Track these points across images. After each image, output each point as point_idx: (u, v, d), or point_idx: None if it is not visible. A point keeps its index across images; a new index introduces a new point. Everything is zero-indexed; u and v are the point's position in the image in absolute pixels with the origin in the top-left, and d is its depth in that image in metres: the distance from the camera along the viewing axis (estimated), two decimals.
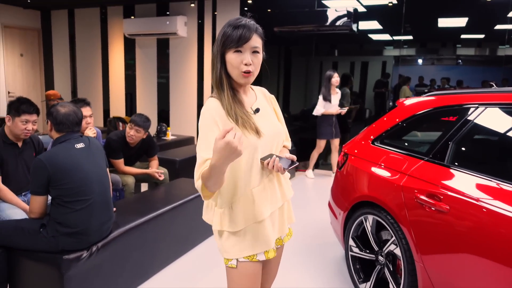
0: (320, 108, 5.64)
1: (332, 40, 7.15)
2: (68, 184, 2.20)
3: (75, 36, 8.35)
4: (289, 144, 1.73)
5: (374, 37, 7.41)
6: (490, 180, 1.88)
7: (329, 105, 5.66)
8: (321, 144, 5.78)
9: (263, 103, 1.61)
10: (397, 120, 2.74)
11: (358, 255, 2.69)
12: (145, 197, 3.34)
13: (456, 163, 2.12)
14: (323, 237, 3.70)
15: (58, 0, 7.57)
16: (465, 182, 1.98)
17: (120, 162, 3.55)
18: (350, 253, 2.76)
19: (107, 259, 2.44)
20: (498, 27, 5.91)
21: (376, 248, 2.56)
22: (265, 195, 1.51)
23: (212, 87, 1.54)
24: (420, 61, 6.68)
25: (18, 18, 8.16)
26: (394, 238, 2.34)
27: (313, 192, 5.41)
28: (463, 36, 6.30)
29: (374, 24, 6.97)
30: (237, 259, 1.51)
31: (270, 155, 1.47)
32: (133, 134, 3.51)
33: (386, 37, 7.30)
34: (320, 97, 5.67)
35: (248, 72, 1.43)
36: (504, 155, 2.15)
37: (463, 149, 2.19)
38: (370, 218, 2.57)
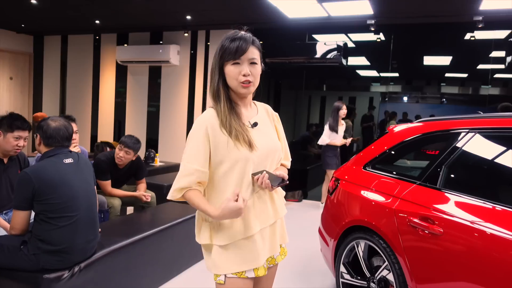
0: (326, 138, 5.72)
1: (322, 74, 7.32)
2: (54, 199, 2.12)
3: (67, 61, 8.38)
4: (288, 163, 1.72)
5: (362, 73, 7.62)
6: (483, 203, 1.89)
7: (334, 135, 5.73)
8: (329, 174, 5.79)
9: (263, 119, 1.61)
10: (387, 146, 2.76)
11: (349, 282, 2.63)
12: (131, 219, 3.25)
13: (448, 187, 2.12)
14: (313, 266, 3.62)
15: (52, 25, 7.63)
16: (458, 205, 1.98)
17: (107, 184, 3.47)
18: (341, 280, 2.69)
19: (89, 281, 2.33)
20: (481, 66, 6.13)
21: (368, 275, 2.50)
22: (254, 211, 1.48)
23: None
24: (405, 98, 6.84)
25: (11, 42, 8.19)
26: (386, 263, 2.30)
27: (301, 221, 5.34)
28: (447, 75, 6.50)
29: (362, 60, 7.17)
30: (225, 275, 1.46)
31: (262, 171, 1.46)
32: (122, 155, 3.46)
33: (373, 73, 7.51)
34: (326, 127, 5.75)
35: (247, 82, 1.44)
36: (495, 177, 2.16)
37: (455, 172, 2.20)
38: (362, 243, 2.53)
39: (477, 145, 2.16)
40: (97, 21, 6.96)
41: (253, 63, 1.46)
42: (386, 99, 7.09)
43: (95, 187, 2.64)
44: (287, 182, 1.49)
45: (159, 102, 7.58)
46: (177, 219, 3.22)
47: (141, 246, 2.78)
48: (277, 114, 1.71)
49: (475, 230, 1.82)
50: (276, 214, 1.56)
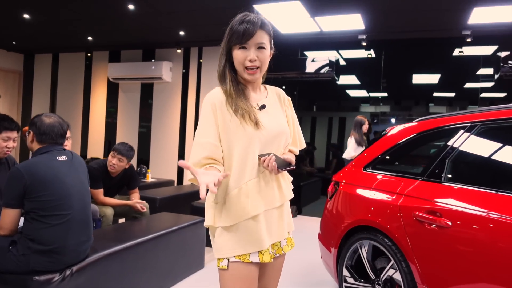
0: (351, 151, 5.72)
1: (313, 93, 7.38)
2: (45, 197, 2.03)
3: (57, 80, 8.32)
4: (296, 150, 1.67)
5: (352, 93, 7.70)
6: (491, 191, 1.85)
7: (360, 149, 5.74)
8: None
9: (273, 102, 1.57)
10: (385, 148, 2.74)
11: (353, 285, 2.53)
12: (124, 226, 3.13)
13: (453, 180, 2.09)
14: (313, 276, 3.52)
15: (43, 43, 7.60)
16: (465, 196, 1.94)
17: (99, 192, 3.36)
18: (344, 284, 2.60)
19: (81, 285, 2.20)
20: (469, 85, 6.23)
21: (372, 277, 2.42)
22: (260, 190, 1.43)
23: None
24: (393, 120, 6.90)
25: (1, 60, 8.12)
26: (392, 262, 2.23)
27: (299, 235, 5.23)
28: (435, 94, 6.59)
29: (353, 79, 7.25)
30: (228, 260, 1.39)
31: (269, 154, 1.41)
32: (115, 163, 3.37)
33: (363, 93, 7.60)
34: (353, 141, 5.75)
35: (252, 69, 1.43)
36: (499, 166, 2.13)
37: (459, 165, 2.17)
38: (366, 243, 2.45)
39: (478, 138, 2.14)
40: (89, 38, 6.96)
41: (260, 47, 1.43)
42: (375, 120, 7.15)
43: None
44: (294, 167, 1.44)
45: (151, 123, 7.51)
46: (172, 227, 3.12)
47: (135, 252, 2.66)
48: (289, 98, 1.67)
49: (485, 219, 1.77)
50: (283, 197, 1.51)
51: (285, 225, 1.54)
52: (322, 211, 3.06)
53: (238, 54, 1.42)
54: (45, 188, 2.03)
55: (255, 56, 1.41)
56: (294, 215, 6.23)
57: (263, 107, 1.50)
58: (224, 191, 1.42)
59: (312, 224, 5.62)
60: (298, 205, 6.54)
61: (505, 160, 2.04)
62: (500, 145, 2.09)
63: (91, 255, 2.31)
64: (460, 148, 2.16)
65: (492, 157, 2.10)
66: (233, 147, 1.41)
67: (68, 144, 3.09)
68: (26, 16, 5.80)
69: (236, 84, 1.46)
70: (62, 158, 2.20)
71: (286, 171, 1.51)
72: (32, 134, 2.21)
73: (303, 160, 7.66)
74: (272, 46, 1.52)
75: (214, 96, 1.44)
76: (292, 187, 1.61)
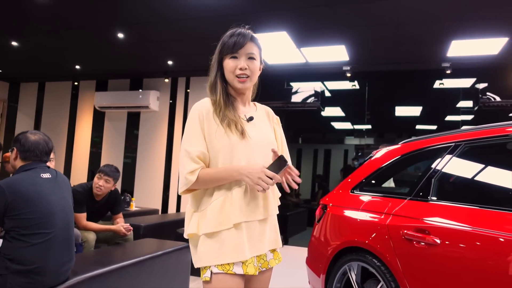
0: None
1: (299, 124, 7.49)
2: (28, 214, 1.96)
3: (42, 109, 8.25)
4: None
5: (337, 125, 7.84)
6: (478, 208, 1.87)
7: None
8: None
9: (261, 117, 1.60)
10: (371, 170, 2.77)
11: None
12: (107, 250, 3.04)
13: (440, 198, 2.11)
14: None
15: (30, 71, 7.60)
16: (452, 214, 1.95)
17: (82, 216, 3.27)
18: None
19: None
20: (450, 118, 6.42)
21: None
22: (245, 200, 1.42)
23: None
24: None
25: None
26: (382, 282, 2.20)
27: (286, 264, 5.14)
28: (418, 127, 6.76)
29: (338, 111, 7.39)
30: (211, 271, 1.37)
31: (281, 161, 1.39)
32: (102, 184, 3.31)
33: (348, 125, 7.74)
34: None
35: (243, 77, 1.46)
36: (486, 183, 2.16)
37: (446, 184, 2.20)
38: (355, 265, 2.42)
39: (463, 156, 2.19)
40: (77, 66, 6.99)
41: (251, 58, 1.48)
42: (360, 153, 7.26)
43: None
44: (288, 163, 1.40)
45: (136, 153, 7.44)
46: (156, 252, 3.03)
47: (117, 276, 2.57)
48: (278, 118, 1.70)
49: (472, 235, 1.78)
50: (266, 211, 1.48)
51: (268, 239, 1.51)
52: (308, 241, 3.03)
53: (228, 63, 1.47)
54: (28, 206, 1.97)
55: (246, 65, 1.45)
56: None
57: (250, 119, 1.52)
58: (209, 198, 1.43)
59: (299, 254, 5.52)
60: (285, 235, 6.46)
61: (490, 176, 2.08)
62: (484, 162, 2.14)
63: (72, 278, 2.21)
64: (445, 167, 2.20)
65: (477, 175, 2.14)
66: (218, 155, 1.42)
67: (51, 166, 3.03)
68: (14, 43, 5.82)
69: (226, 95, 1.49)
70: (46, 175, 2.15)
71: (275, 186, 1.51)
72: (16, 151, 2.17)
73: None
74: (262, 61, 1.56)
75: (201, 105, 1.47)
76: (279, 203, 1.60)
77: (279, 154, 1.42)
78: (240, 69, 1.45)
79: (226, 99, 1.48)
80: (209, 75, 1.54)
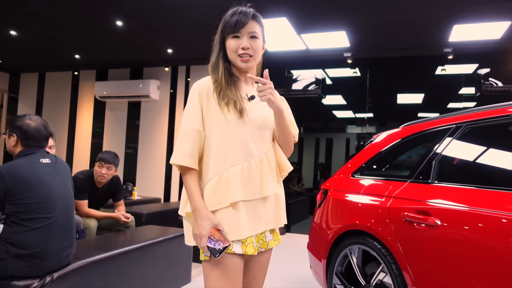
0: None
1: (300, 112, 7.44)
2: (28, 199, 1.96)
3: (43, 99, 8.24)
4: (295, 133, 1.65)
5: (339, 114, 7.81)
6: (478, 188, 1.86)
7: None
8: None
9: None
10: (372, 154, 2.76)
11: None
12: (109, 236, 3.05)
13: (441, 179, 2.10)
14: None
15: (30, 61, 7.57)
16: (453, 195, 1.94)
17: (84, 203, 3.28)
18: None
19: None
20: (451, 105, 6.37)
21: (363, 283, 2.38)
22: (242, 179, 1.40)
23: None
24: None
25: None
26: (383, 265, 2.20)
27: (288, 251, 5.17)
28: (420, 114, 6.71)
29: (339, 99, 7.35)
30: None
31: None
32: (104, 172, 3.32)
33: (349, 114, 7.70)
34: None
35: (245, 56, 1.44)
36: (486, 164, 2.15)
37: (446, 165, 2.19)
38: (356, 249, 2.42)
39: (464, 138, 2.17)
40: (77, 56, 6.95)
41: (253, 37, 1.46)
42: (361, 142, 7.23)
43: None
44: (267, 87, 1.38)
45: (137, 143, 7.43)
46: (158, 238, 3.04)
47: (119, 262, 2.58)
48: (283, 97, 1.68)
49: (474, 216, 1.77)
50: (263, 190, 1.44)
51: (270, 219, 1.50)
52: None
53: (231, 43, 1.45)
54: (28, 191, 1.97)
55: (248, 44, 1.43)
56: (282, 233, 6.15)
57: (252, 97, 1.49)
58: (206, 177, 1.42)
59: (301, 241, 5.55)
60: (287, 224, 6.47)
61: (491, 157, 2.06)
62: (485, 144, 2.12)
63: (73, 263, 2.22)
64: (446, 149, 2.18)
65: (479, 156, 2.12)
66: (213, 134, 1.42)
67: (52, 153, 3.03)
68: (12, 32, 5.78)
69: (228, 74, 1.48)
70: (46, 160, 2.15)
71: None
72: (16, 138, 2.16)
73: (290, 180, 7.65)
74: (265, 39, 1.54)
75: (202, 83, 1.47)
76: (286, 174, 1.60)
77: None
78: (243, 48, 1.43)
79: (229, 78, 1.47)
80: (211, 55, 1.52)
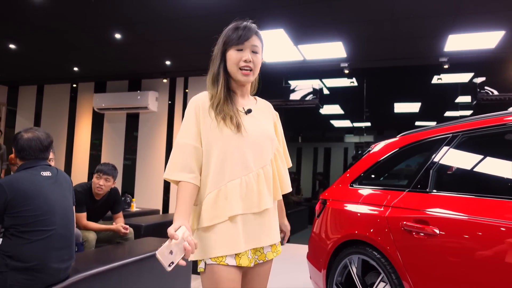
0: None
1: (298, 123, 7.49)
2: (27, 212, 1.97)
3: (41, 112, 8.25)
4: (287, 163, 1.65)
5: (336, 123, 7.84)
6: (476, 197, 1.87)
7: None
8: None
9: (261, 110, 1.59)
10: (370, 164, 2.78)
11: None
12: (108, 249, 3.04)
13: (439, 188, 2.11)
14: None
15: (28, 74, 7.60)
16: (451, 203, 1.96)
17: (82, 216, 3.27)
18: None
19: None
20: (448, 113, 6.42)
21: None
22: (240, 193, 1.41)
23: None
24: None
25: None
26: (383, 274, 2.20)
27: (287, 261, 5.15)
28: (417, 123, 6.75)
29: (337, 109, 7.39)
30: (205, 262, 1.38)
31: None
32: (102, 184, 3.31)
33: (347, 123, 7.74)
34: None
35: (246, 69, 1.46)
36: (483, 172, 2.17)
37: (444, 174, 2.21)
38: (355, 258, 2.43)
39: (461, 147, 2.19)
40: (75, 68, 6.99)
41: (255, 51, 1.48)
42: (360, 151, 7.26)
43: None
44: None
45: (136, 154, 7.43)
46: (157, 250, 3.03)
47: (118, 275, 2.57)
48: (277, 113, 1.70)
49: (471, 224, 1.78)
50: (260, 204, 1.45)
51: (270, 233, 1.49)
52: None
53: (233, 55, 1.46)
54: (27, 203, 1.98)
55: (250, 57, 1.45)
56: (281, 243, 6.13)
57: (249, 111, 1.51)
58: (203, 192, 1.42)
59: (300, 252, 5.53)
60: None
61: (488, 166, 2.08)
62: (481, 152, 2.14)
63: (72, 276, 2.22)
64: (443, 158, 2.20)
65: (475, 164, 2.14)
66: (211, 149, 1.42)
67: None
68: (11, 46, 5.82)
69: (226, 89, 1.48)
70: (46, 173, 2.15)
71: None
72: (14, 152, 2.17)
73: None
74: (262, 57, 1.56)
75: (198, 99, 1.48)
76: (286, 191, 1.59)
77: None
78: (245, 61, 1.45)
79: (227, 93, 1.48)
80: (210, 67, 1.52)
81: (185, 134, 1.42)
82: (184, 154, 1.40)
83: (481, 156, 2.14)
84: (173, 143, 7.03)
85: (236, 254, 1.39)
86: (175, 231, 1.23)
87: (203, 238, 1.39)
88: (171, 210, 7.03)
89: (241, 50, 1.46)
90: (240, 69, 1.45)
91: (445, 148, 2.21)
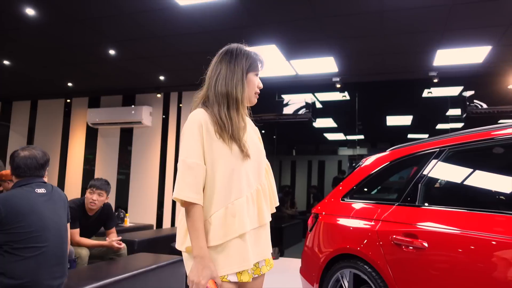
0: None
1: (291, 137, 7.54)
2: (21, 228, 1.98)
3: (34, 127, 8.23)
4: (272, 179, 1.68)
5: (330, 136, 7.91)
6: (464, 211, 1.91)
7: None
8: None
9: (251, 125, 1.64)
10: (361, 178, 2.82)
11: None
12: (101, 265, 3.03)
13: (428, 202, 2.15)
14: None
15: (22, 90, 7.62)
16: (439, 217, 1.99)
17: (75, 232, 3.26)
18: None
19: None
20: (439, 126, 6.52)
21: None
22: (248, 209, 1.45)
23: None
24: None
25: None
26: None
27: (282, 276, 5.13)
28: (409, 136, 6.84)
29: (330, 122, 7.47)
30: None
31: None
32: (95, 198, 3.32)
33: (340, 136, 7.81)
34: None
35: (257, 95, 1.59)
36: (471, 186, 2.21)
37: (432, 188, 2.25)
38: (347, 272, 2.44)
39: (447, 161, 2.24)
40: (69, 84, 7.02)
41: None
42: (354, 164, 7.31)
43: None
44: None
45: (129, 169, 7.42)
46: (150, 266, 3.03)
47: None
48: (257, 129, 1.75)
49: (460, 238, 1.82)
50: (261, 218, 1.51)
51: (267, 246, 1.55)
52: None
53: (253, 80, 1.55)
54: (21, 220, 1.99)
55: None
56: (276, 257, 6.12)
57: None
58: (208, 211, 1.42)
59: (295, 265, 5.51)
60: (280, 247, 6.45)
61: (475, 180, 2.12)
62: (468, 166, 2.19)
63: None
64: (431, 172, 2.25)
65: (462, 178, 2.18)
66: (216, 166, 1.42)
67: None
68: (5, 62, 5.85)
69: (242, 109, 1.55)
70: (41, 190, 2.17)
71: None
72: (10, 169, 2.19)
73: (283, 203, 7.65)
74: None
75: (199, 117, 1.45)
76: (274, 211, 1.62)
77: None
78: (258, 87, 1.57)
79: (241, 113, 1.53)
80: (228, 77, 1.48)
81: (192, 153, 1.40)
82: (194, 174, 1.38)
83: (469, 170, 2.19)
84: (167, 157, 7.07)
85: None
86: (205, 281, 1.30)
87: (213, 257, 1.39)
88: (165, 225, 7.01)
89: (257, 76, 1.57)
90: (255, 93, 1.57)
91: (433, 162, 2.25)
